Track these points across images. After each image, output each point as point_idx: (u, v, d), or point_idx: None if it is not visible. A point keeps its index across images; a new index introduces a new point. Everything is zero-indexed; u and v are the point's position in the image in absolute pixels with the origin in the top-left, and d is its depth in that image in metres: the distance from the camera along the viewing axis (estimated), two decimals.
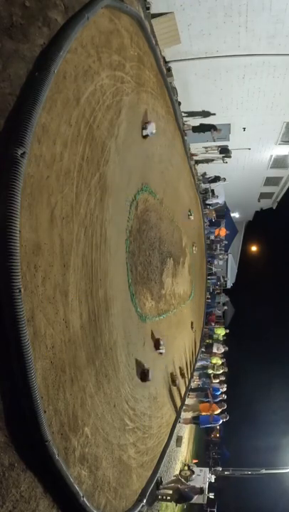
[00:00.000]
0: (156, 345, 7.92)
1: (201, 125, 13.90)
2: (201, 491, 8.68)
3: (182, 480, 8.08)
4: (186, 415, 11.36)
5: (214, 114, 13.96)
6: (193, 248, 15.97)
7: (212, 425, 12.41)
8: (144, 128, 7.51)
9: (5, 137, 3.00)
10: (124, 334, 5.98)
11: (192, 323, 14.81)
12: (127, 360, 6.04)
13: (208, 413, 11.41)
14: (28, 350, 2.94)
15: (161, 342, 7.97)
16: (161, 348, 7.96)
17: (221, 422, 11.58)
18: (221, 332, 19.10)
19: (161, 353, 8.06)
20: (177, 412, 9.97)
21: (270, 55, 10.82)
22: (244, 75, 11.82)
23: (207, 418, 11.10)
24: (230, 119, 14.42)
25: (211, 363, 15.37)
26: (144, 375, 6.71)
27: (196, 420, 11.29)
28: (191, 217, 15.01)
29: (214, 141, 14.66)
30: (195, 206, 17.40)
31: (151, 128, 7.69)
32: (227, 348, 18.26)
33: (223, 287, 24.60)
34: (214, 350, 18.06)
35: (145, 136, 7.59)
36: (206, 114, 13.92)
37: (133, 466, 5.91)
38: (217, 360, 15.57)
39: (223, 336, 19.08)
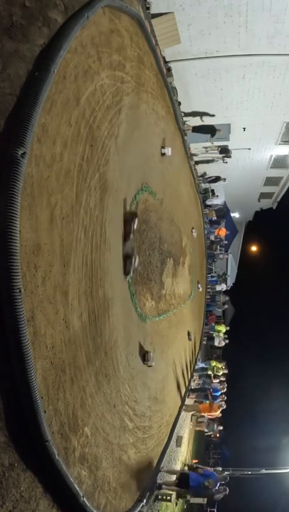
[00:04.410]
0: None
1: (202, 126, 13.91)
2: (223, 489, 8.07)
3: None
4: (189, 401, 11.31)
5: (214, 115, 13.98)
6: (198, 286, 16.29)
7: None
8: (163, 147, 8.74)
9: (5, 137, 3.00)
10: (124, 334, 5.98)
11: (189, 333, 13.05)
12: (127, 360, 6.04)
13: (208, 413, 11.37)
14: (28, 350, 2.94)
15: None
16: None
17: (219, 393, 10.96)
18: (221, 329, 19.14)
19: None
20: (177, 412, 9.97)
21: (270, 55, 10.83)
22: (244, 75, 11.83)
23: (198, 479, 7.94)
24: (230, 119, 14.42)
25: (210, 365, 15.37)
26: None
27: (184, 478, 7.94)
28: (194, 234, 15.45)
29: (212, 143, 14.87)
30: (195, 206, 17.41)
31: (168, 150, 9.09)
32: (228, 341, 18.39)
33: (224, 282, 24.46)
34: (216, 343, 18.23)
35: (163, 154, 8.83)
36: (206, 114, 13.93)
37: (133, 466, 5.91)
38: (216, 364, 15.59)
39: (224, 333, 19.12)
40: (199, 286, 16.91)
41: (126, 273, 6.21)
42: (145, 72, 7.79)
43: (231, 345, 20.18)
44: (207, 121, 14.00)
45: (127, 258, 6.16)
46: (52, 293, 3.59)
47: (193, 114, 13.84)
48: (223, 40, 10.44)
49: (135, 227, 6.35)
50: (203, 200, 20.04)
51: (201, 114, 13.84)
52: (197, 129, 13.91)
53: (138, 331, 6.93)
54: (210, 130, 13.97)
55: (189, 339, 11.17)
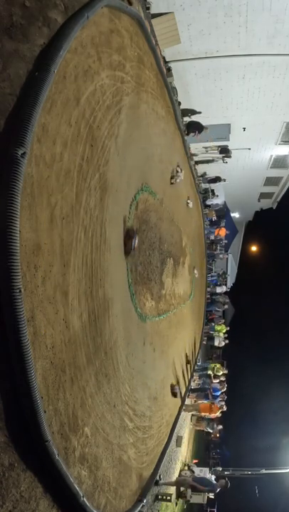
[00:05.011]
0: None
1: (190, 123, 13.44)
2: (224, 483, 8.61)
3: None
4: (189, 401, 11.42)
5: (214, 115, 13.97)
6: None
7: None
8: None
9: (5, 137, 3.00)
10: (124, 334, 5.98)
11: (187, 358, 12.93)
12: (127, 360, 6.04)
13: (208, 414, 11.39)
14: (28, 350, 2.94)
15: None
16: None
17: (218, 393, 12.17)
18: (221, 329, 19.15)
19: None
20: (177, 412, 9.97)
21: (270, 55, 10.85)
22: (244, 75, 11.84)
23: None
24: (230, 119, 14.44)
25: (210, 365, 15.39)
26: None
27: None
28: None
29: (212, 143, 14.78)
30: (195, 206, 17.41)
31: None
32: (228, 341, 18.38)
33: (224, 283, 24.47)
34: (216, 343, 18.26)
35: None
36: (197, 112, 13.72)
37: (133, 466, 5.91)
38: (216, 364, 15.60)
39: (224, 333, 19.14)
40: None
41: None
42: (145, 72, 7.80)
43: (231, 345, 20.19)
44: (196, 119, 13.76)
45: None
46: (52, 293, 3.59)
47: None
48: (223, 40, 10.45)
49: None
50: (203, 200, 20.05)
51: (190, 112, 13.45)
52: (186, 127, 13.72)
53: (138, 331, 6.93)
54: (197, 127, 13.76)
55: (174, 396, 9.70)
